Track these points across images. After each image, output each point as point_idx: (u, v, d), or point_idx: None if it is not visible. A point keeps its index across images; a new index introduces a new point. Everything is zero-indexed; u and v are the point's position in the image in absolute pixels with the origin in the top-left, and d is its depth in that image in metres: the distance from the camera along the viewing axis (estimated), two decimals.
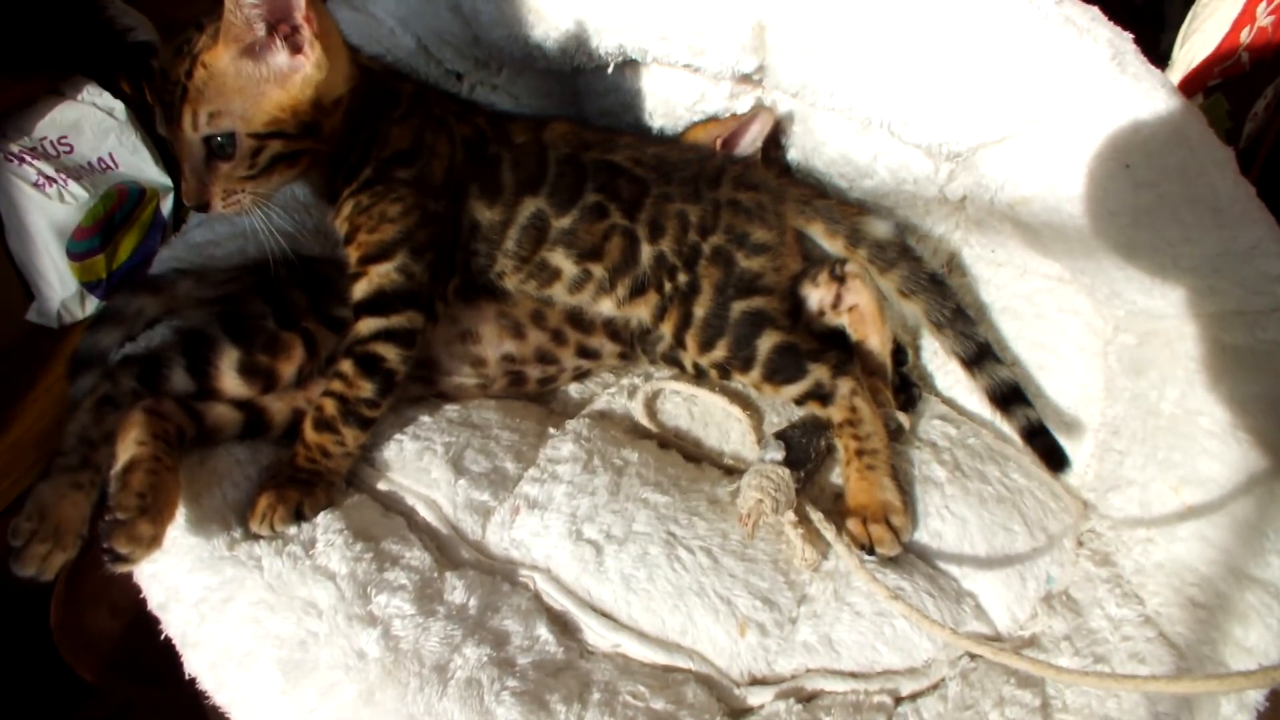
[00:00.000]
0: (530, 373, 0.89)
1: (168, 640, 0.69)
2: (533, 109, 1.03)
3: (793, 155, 0.93)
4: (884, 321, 0.85)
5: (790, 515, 0.71)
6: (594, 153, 0.86)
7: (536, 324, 0.88)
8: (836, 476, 0.80)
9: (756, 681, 0.68)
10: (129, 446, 0.68)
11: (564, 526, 0.72)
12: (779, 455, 0.72)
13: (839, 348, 0.86)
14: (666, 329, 0.84)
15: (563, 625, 0.68)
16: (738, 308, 0.81)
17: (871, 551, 0.73)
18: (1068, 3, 0.71)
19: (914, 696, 0.69)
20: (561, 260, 0.84)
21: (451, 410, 0.81)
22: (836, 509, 0.78)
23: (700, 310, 0.81)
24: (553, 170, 0.84)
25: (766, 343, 0.80)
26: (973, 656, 0.71)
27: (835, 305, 0.86)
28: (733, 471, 0.82)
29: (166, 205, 1.57)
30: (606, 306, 0.86)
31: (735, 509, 0.74)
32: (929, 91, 0.74)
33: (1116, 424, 0.82)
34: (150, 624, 0.94)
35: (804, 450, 0.74)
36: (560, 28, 0.86)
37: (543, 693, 0.61)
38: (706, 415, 0.87)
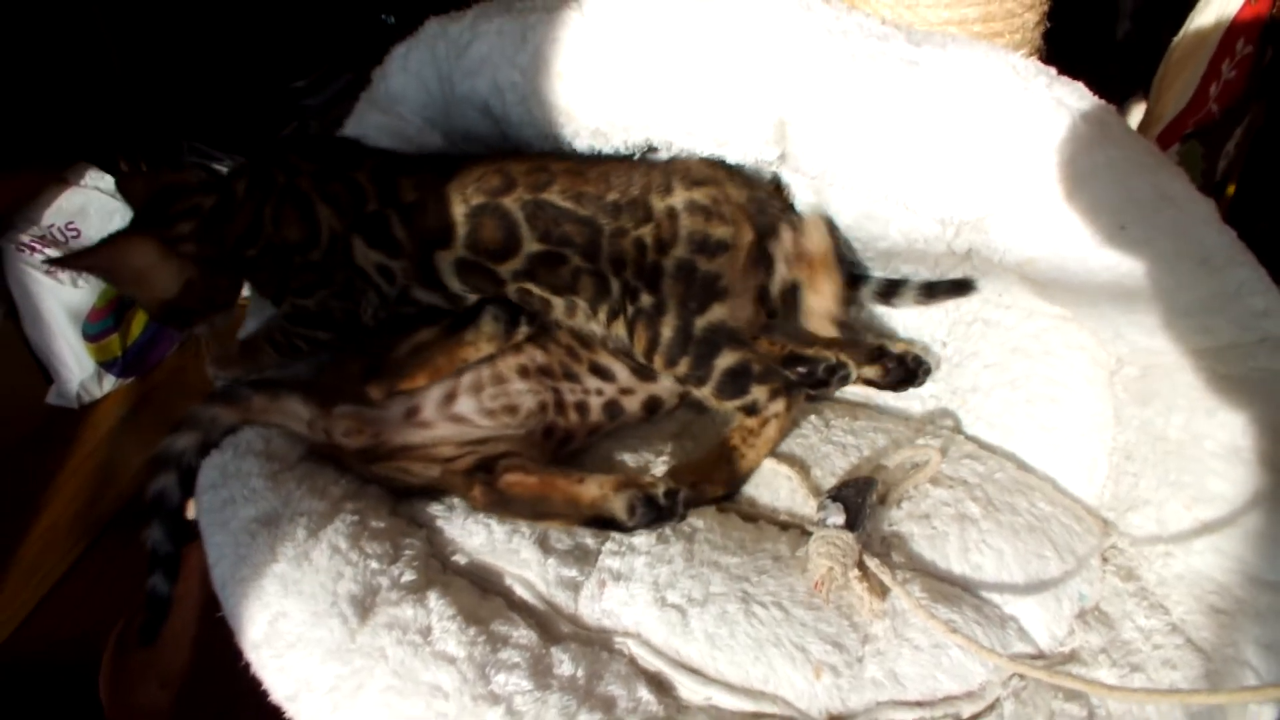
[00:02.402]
0: (566, 395, 0.96)
1: (216, 713, 0.76)
2: None
3: None
4: (835, 270, 0.93)
5: (854, 571, 0.78)
6: (519, 192, 0.89)
7: (553, 339, 0.97)
8: (886, 522, 0.89)
9: (834, 718, 0.76)
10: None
11: (649, 595, 0.79)
12: (840, 519, 0.80)
13: (786, 369, 0.97)
14: (638, 348, 0.91)
15: (659, 684, 0.75)
16: (700, 324, 0.88)
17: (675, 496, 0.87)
18: (1057, 84, 0.79)
19: (974, 718, 0.76)
20: (541, 292, 0.92)
21: None
22: (884, 549, 0.86)
23: (668, 332, 0.88)
24: (463, 225, 0.89)
25: (723, 363, 0.88)
26: (1022, 676, 0.78)
27: (796, 258, 0.94)
28: (788, 527, 0.89)
29: None
30: (597, 329, 0.95)
31: (798, 561, 0.82)
32: (940, 173, 0.82)
33: (1128, 449, 0.89)
34: (199, 695, 1.00)
35: (860, 509, 0.82)
36: (589, 127, 0.93)
37: None
38: (755, 475, 0.94)
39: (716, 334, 0.88)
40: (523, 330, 0.92)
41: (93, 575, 1.30)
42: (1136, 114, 1.22)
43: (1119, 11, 1.81)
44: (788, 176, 0.95)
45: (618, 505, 0.84)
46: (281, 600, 0.78)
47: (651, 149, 0.96)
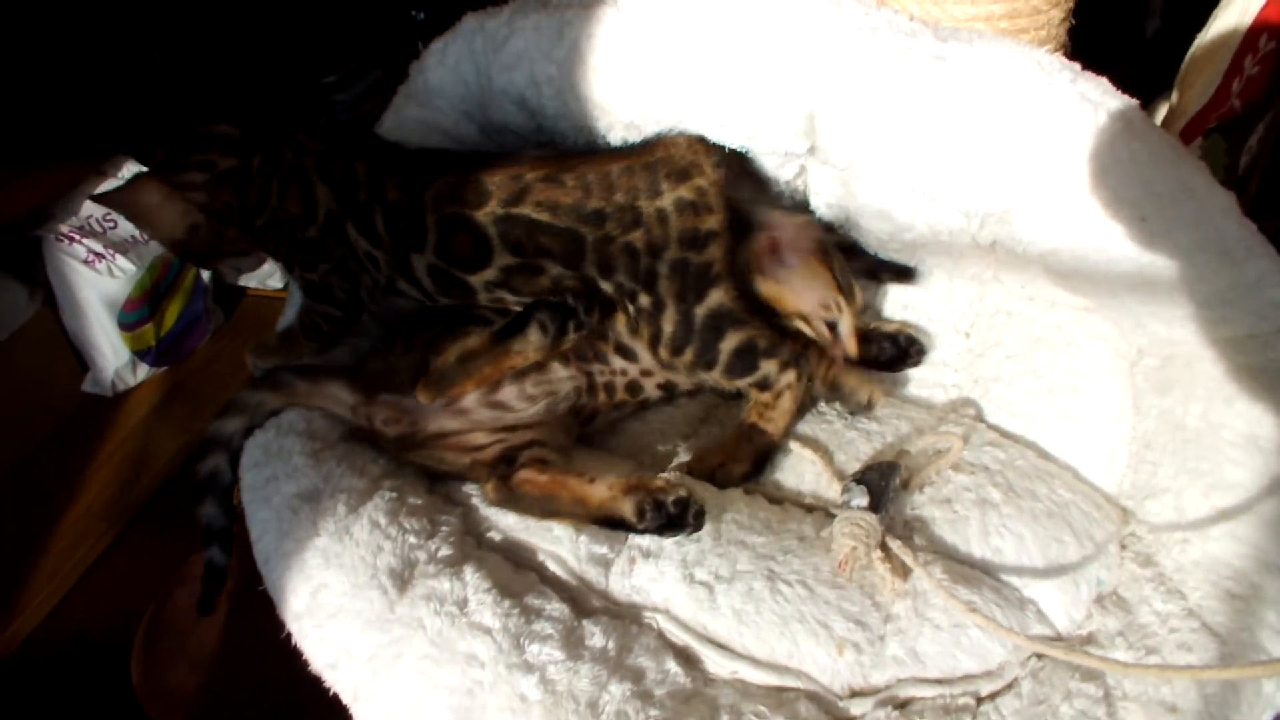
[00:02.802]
0: (596, 377, 0.99)
1: (245, 693, 0.78)
2: None
3: (834, 213, 1.03)
4: None
5: (877, 552, 0.81)
6: (491, 207, 0.89)
7: None
8: (908, 506, 0.91)
9: (856, 694, 0.78)
10: None
11: (677, 572, 0.82)
12: (864, 501, 0.82)
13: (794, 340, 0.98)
14: (643, 343, 0.94)
15: (687, 658, 0.78)
16: (700, 313, 0.90)
17: (711, 479, 0.93)
18: (1081, 80, 0.81)
19: (993, 696, 0.78)
20: (518, 300, 0.94)
21: None
22: (906, 532, 0.89)
23: (669, 326, 0.91)
24: (434, 233, 0.91)
25: (728, 344, 0.91)
26: (1040, 657, 0.80)
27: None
28: (813, 509, 0.92)
29: (206, 270, 1.65)
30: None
31: (822, 542, 0.85)
32: (966, 165, 0.84)
33: (1148, 438, 0.91)
34: (228, 677, 1.03)
35: (883, 492, 0.84)
36: (624, 120, 0.95)
37: (681, 718, 0.72)
38: (780, 459, 0.97)
39: (717, 318, 0.91)
40: (570, 338, 0.92)
41: (125, 561, 1.33)
42: (1164, 111, 1.24)
43: (1149, 9, 1.81)
44: (815, 169, 0.98)
45: (626, 507, 0.85)
46: (323, 572, 0.81)
47: None
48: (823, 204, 1.02)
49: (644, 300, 0.91)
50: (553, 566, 0.84)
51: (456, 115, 1.07)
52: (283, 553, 0.84)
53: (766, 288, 0.96)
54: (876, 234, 1.01)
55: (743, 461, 0.94)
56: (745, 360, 0.92)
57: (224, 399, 1.55)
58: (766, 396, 0.94)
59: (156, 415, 1.59)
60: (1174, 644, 0.79)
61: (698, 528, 0.85)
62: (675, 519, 0.84)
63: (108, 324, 1.54)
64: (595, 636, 0.76)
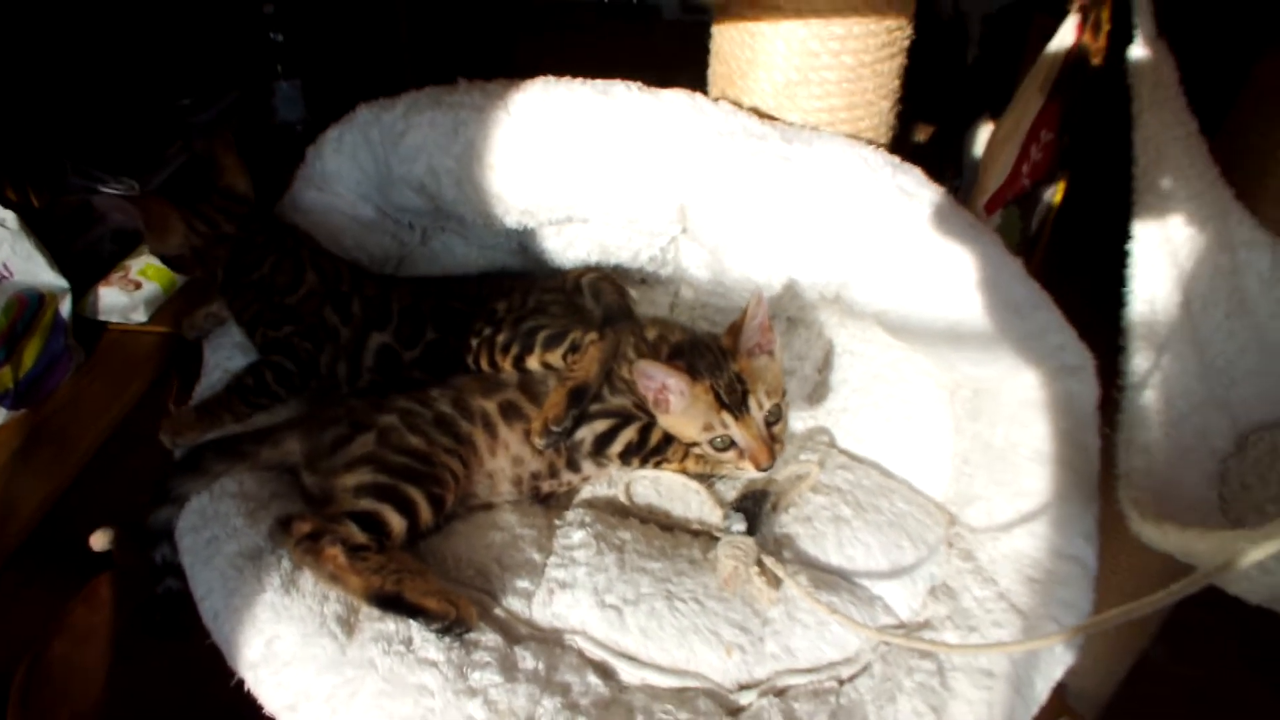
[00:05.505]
0: (544, 487, 1.13)
1: None
2: (480, 246, 1.26)
3: (704, 274, 1.20)
4: None
5: (754, 568, 0.97)
6: (430, 301, 1.18)
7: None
8: (777, 526, 1.08)
9: (744, 687, 0.93)
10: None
11: (590, 599, 0.96)
12: (742, 527, 0.99)
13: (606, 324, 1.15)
14: (485, 365, 1.13)
15: (604, 671, 0.92)
16: (524, 327, 1.11)
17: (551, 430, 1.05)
18: (900, 173, 1.00)
19: (852, 678, 0.95)
20: (423, 376, 1.14)
21: (481, 516, 1.04)
22: (776, 549, 1.05)
23: (501, 338, 1.12)
24: (396, 319, 1.17)
25: (541, 336, 1.10)
26: (888, 643, 0.98)
27: None
28: (699, 534, 1.08)
29: (65, 307, 1.55)
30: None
31: (709, 563, 1.01)
32: (808, 246, 1.02)
33: (965, 454, 1.11)
34: None
35: (757, 517, 1.01)
36: (519, 207, 1.09)
37: None
38: (670, 492, 1.12)
39: (537, 329, 1.11)
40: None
41: None
42: (986, 130, 1.44)
43: (968, 37, 2.09)
44: (686, 244, 1.14)
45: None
46: (274, 625, 0.90)
47: (569, 219, 1.13)
48: (693, 268, 1.18)
49: (487, 332, 1.13)
50: (483, 602, 0.96)
51: (354, 198, 1.19)
52: (232, 608, 0.92)
53: (667, 421, 1.08)
54: (741, 292, 1.18)
55: (559, 405, 1.06)
56: (555, 339, 1.10)
57: (90, 439, 1.51)
58: (575, 356, 1.09)
59: (18, 460, 1.46)
60: (989, 622, 0.98)
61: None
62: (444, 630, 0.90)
63: None
64: (527, 660, 0.89)
